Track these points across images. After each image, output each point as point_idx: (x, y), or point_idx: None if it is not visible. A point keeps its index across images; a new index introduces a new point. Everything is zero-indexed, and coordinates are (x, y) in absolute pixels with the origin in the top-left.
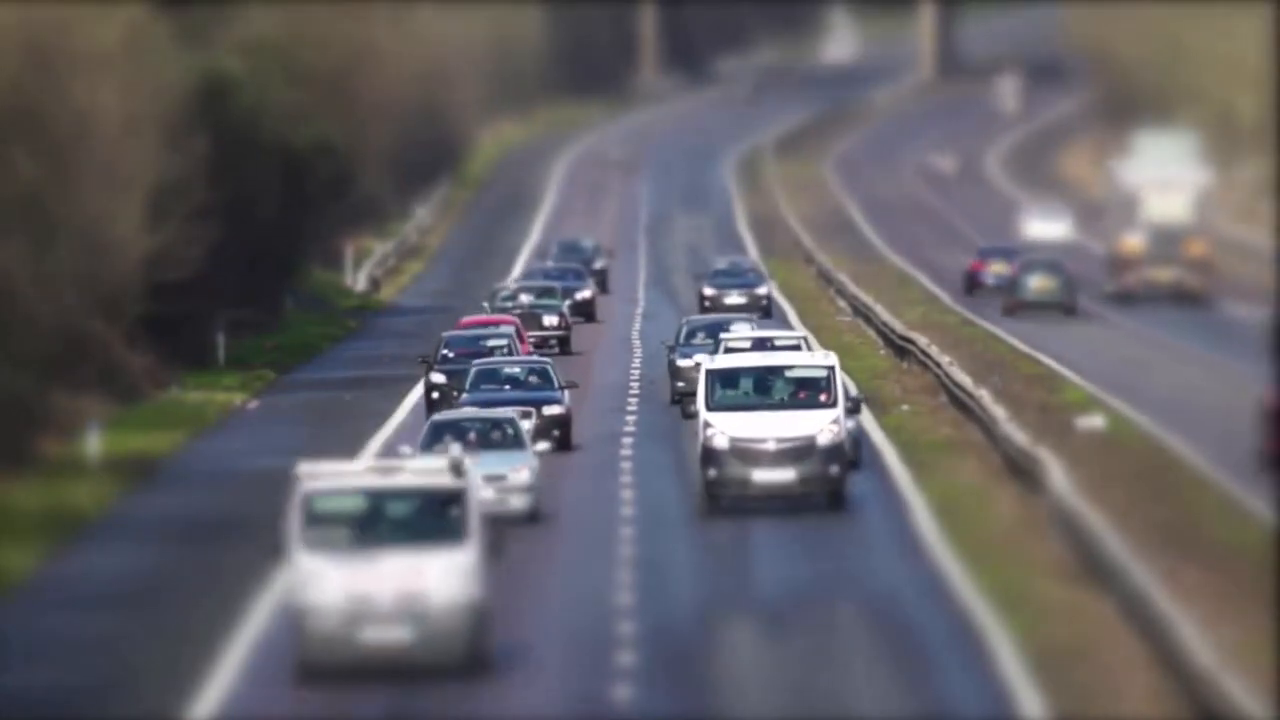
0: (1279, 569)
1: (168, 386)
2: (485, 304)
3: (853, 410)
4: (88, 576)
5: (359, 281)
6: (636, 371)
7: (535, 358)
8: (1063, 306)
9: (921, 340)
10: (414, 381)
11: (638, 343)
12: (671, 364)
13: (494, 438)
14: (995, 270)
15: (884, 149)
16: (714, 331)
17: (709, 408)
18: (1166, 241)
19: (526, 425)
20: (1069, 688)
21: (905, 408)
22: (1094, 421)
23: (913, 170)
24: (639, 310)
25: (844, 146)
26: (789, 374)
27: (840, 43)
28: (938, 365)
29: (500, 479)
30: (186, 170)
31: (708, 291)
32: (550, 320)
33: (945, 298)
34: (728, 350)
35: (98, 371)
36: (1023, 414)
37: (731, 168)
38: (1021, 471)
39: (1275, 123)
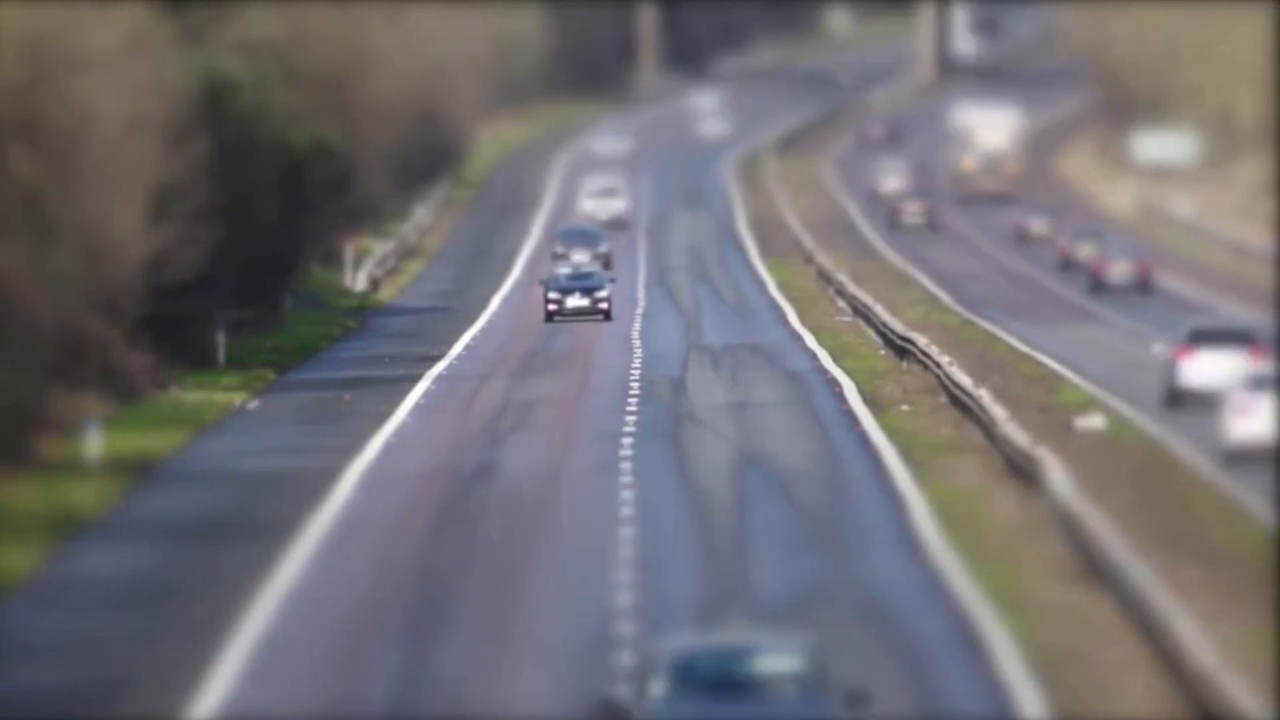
0: (1279, 569)
1: (168, 386)
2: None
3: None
4: (87, 576)
5: (358, 281)
6: (636, 372)
7: None
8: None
9: (921, 340)
10: (414, 381)
11: (638, 343)
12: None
13: None
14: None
15: (883, 149)
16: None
17: None
18: (991, 162)
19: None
20: (1069, 688)
21: (905, 408)
22: (1094, 421)
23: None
24: (639, 310)
25: (844, 146)
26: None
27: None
28: (938, 365)
29: None
30: (187, 171)
31: None
32: None
33: (945, 298)
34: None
35: (98, 371)
36: (1023, 414)
37: (731, 167)
38: (1021, 472)
39: (1275, 123)
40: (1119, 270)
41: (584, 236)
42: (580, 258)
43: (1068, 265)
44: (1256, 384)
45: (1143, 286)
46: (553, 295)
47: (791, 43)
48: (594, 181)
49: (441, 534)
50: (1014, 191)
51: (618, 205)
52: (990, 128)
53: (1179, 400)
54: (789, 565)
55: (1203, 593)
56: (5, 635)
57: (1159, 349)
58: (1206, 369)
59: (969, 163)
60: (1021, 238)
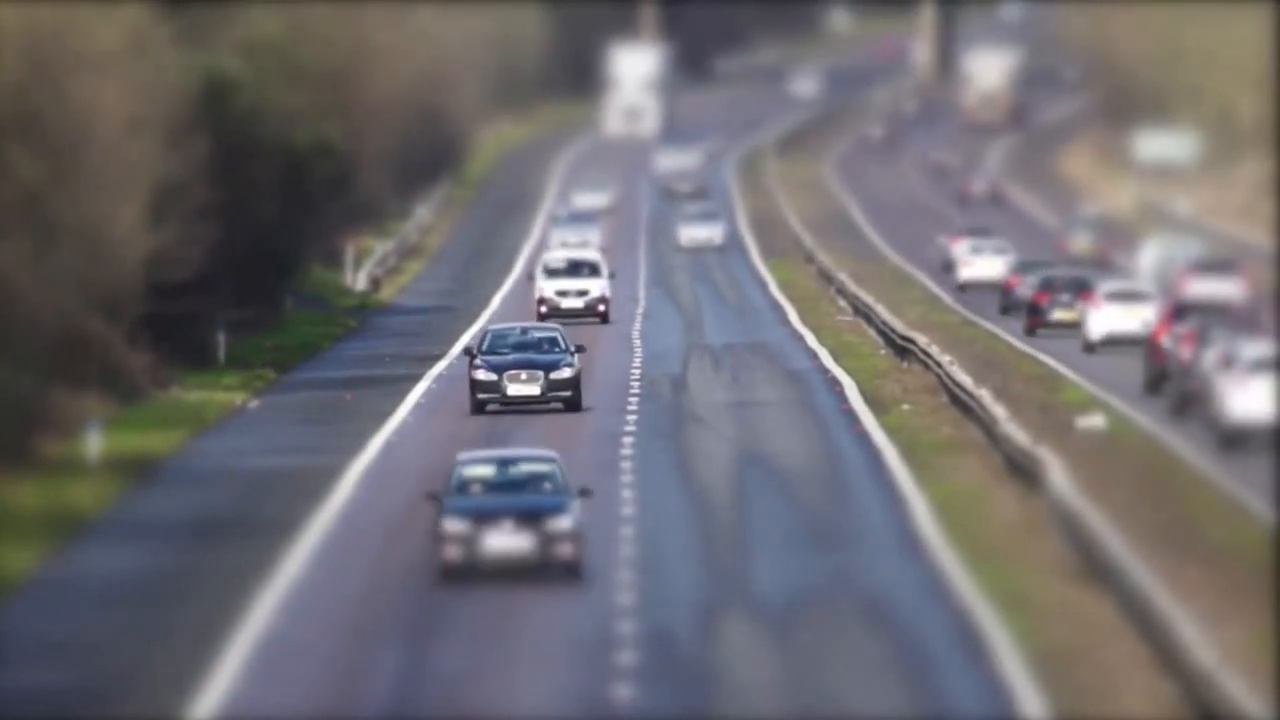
0: (1279, 569)
1: (168, 386)
2: None
3: None
4: (88, 576)
5: (359, 281)
6: (637, 371)
7: None
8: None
9: (922, 340)
10: (415, 380)
11: (638, 343)
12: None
13: None
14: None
15: (884, 148)
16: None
17: None
18: (988, 98)
19: None
20: (1069, 688)
21: (906, 407)
22: (1094, 421)
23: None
24: (639, 310)
25: (844, 146)
26: None
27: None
28: (938, 365)
29: None
30: (186, 170)
31: None
32: None
33: (945, 297)
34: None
35: (98, 371)
36: (1023, 414)
37: (732, 167)
38: (1022, 471)
39: (1275, 123)
40: (978, 187)
41: (526, 348)
42: (523, 389)
43: (941, 174)
44: (976, 249)
45: (995, 200)
46: (482, 375)
47: (792, 43)
48: (556, 254)
49: None
50: (1003, 123)
51: (594, 288)
52: (986, 70)
53: (950, 269)
54: (789, 564)
55: (1203, 592)
56: (5, 635)
57: (941, 240)
58: (963, 250)
59: (972, 101)
60: (941, 174)
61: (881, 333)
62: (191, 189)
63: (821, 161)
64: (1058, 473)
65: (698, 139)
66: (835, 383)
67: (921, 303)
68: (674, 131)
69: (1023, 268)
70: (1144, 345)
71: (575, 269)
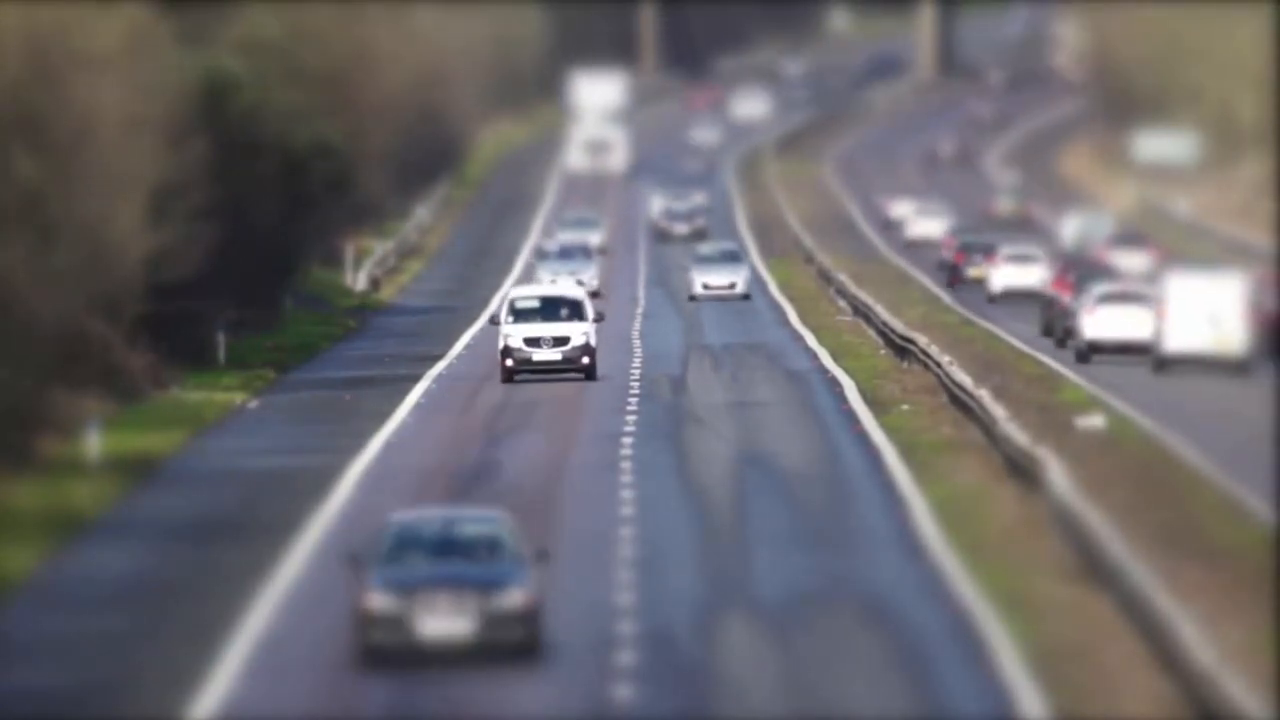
0: (1279, 569)
1: (168, 386)
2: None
3: None
4: (88, 576)
5: (359, 281)
6: (637, 371)
7: None
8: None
9: (922, 340)
10: (414, 380)
11: (638, 342)
12: None
13: None
14: None
15: (884, 149)
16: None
17: None
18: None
19: None
20: (1069, 688)
21: (905, 407)
22: (1094, 421)
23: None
24: (639, 310)
25: (844, 146)
26: None
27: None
28: (938, 365)
29: None
30: (186, 170)
31: None
32: None
33: (945, 297)
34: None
35: (98, 371)
36: (1023, 414)
37: (731, 168)
38: (1021, 471)
39: (1275, 123)
40: (946, 149)
41: (451, 551)
42: (446, 626)
43: (977, 125)
44: (921, 212)
45: (962, 162)
46: (378, 603)
47: (791, 43)
48: (525, 290)
49: None
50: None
51: (575, 335)
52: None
53: (889, 227)
54: (789, 564)
55: (1203, 592)
56: (5, 635)
57: (878, 201)
58: (903, 209)
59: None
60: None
61: (881, 333)
62: (191, 189)
63: (821, 161)
64: (1057, 473)
65: (698, 180)
66: (835, 383)
67: (921, 303)
68: (658, 170)
69: (955, 232)
70: (1040, 299)
71: (551, 309)
